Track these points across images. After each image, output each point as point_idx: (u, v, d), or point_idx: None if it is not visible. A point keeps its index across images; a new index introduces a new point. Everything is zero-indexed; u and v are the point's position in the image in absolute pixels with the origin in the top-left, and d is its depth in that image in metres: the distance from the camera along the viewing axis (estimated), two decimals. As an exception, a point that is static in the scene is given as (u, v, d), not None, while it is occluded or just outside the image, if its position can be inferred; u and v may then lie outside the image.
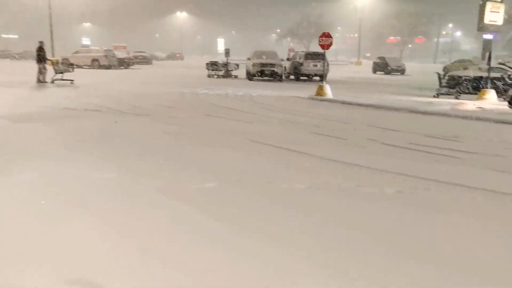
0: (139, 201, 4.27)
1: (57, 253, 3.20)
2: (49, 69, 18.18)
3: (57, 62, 18.56)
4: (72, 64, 19.09)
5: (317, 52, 24.37)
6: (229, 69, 26.61)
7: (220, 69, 26.41)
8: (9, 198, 4.30)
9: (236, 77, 26.03)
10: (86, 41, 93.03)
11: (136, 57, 44.78)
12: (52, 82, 17.74)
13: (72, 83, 17.83)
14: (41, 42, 18.38)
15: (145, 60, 47.90)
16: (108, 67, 33.59)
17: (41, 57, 17.90)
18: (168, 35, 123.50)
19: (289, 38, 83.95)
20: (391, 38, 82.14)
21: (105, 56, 34.12)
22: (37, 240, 3.39)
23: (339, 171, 5.54)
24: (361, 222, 3.93)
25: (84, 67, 34.82)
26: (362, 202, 4.41)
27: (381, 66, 36.77)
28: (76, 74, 18.97)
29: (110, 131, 7.98)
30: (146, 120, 9.46)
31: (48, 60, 18.50)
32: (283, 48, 61.11)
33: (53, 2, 42.76)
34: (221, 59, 29.42)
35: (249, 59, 25.63)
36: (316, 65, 23.92)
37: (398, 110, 12.12)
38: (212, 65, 26.50)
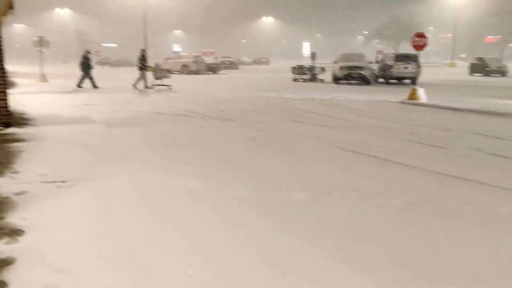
0: (223, 214, 4.04)
1: (136, 265, 3.08)
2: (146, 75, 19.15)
3: (156, 69, 19.50)
4: (169, 70, 19.95)
5: (408, 54, 23.18)
6: (315, 72, 26.21)
7: (305, 73, 26.11)
8: (99, 202, 4.32)
9: (322, 80, 25.57)
10: (176, 47, 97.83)
11: (223, 62, 45.94)
12: (152, 87, 18.65)
13: (169, 88, 18.59)
14: (143, 50, 19.42)
15: (232, 65, 49.01)
16: (196, 72, 34.72)
17: (142, 64, 18.88)
18: (254, 40, 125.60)
19: (376, 40, 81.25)
20: (490, 37, 76.22)
21: (194, 62, 35.32)
22: (116, 247, 3.30)
23: (441, 186, 4.96)
24: (485, 256, 3.38)
25: (174, 72, 36.40)
26: (474, 226, 3.83)
27: (480, 67, 34.17)
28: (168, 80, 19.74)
29: (196, 136, 7.99)
30: (232, 125, 9.41)
31: (149, 67, 19.52)
32: (371, 51, 59.28)
33: (148, 11, 45.23)
34: (306, 62, 29.02)
35: (335, 62, 25.01)
36: (406, 68, 22.70)
37: (504, 115, 10.95)
38: (298, 69, 26.26)
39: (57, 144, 6.59)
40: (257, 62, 75.07)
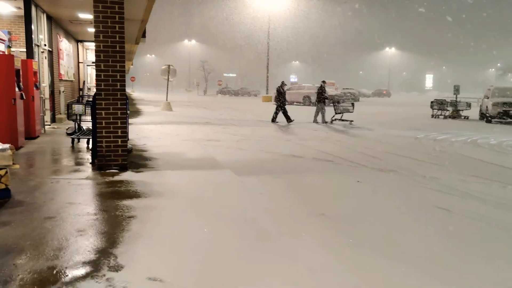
0: None
1: None
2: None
3: (338, 102, 17.95)
4: (352, 104, 18.21)
5: None
6: (459, 108, 22.71)
7: (447, 109, 22.73)
8: None
9: (466, 118, 22.02)
10: (293, 78, 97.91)
11: (344, 93, 43.57)
12: (331, 122, 17.27)
13: (351, 123, 16.95)
14: (323, 82, 18.18)
15: (353, 97, 46.38)
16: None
17: (323, 97, 17.59)
18: (372, 71, 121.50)
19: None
20: None
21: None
22: None
23: None
24: None
25: (295, 103, 34.96)
26: None
27: None
28: (294, 112, 17.97)
29: (355, 199, 5.76)
30: (395, 179, 7.03)
31: (328, 99, 18.15)
32: (508, 84, 52.63)
33: (267, 43, 45.04)
34: (447, 96, 25.46)
35: (486, 97, 21.33)
36: None
37: None
38: (438, 104, 22.94)
39: (180, 207, 4.80)
40: (378, 94, 71.25)
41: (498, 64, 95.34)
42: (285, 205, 5.23)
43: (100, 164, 6.54)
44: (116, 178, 6.05)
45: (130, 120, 15.38)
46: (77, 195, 5.09)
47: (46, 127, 12.02)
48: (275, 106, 17.97)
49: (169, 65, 23.23)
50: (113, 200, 4.89)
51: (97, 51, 6.33)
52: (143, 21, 13.19)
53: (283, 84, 18.06)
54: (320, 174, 7.25)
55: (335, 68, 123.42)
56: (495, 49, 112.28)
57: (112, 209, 4.56)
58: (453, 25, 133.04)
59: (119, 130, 6.52)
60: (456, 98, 23.64)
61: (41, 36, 12.30)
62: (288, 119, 17.14)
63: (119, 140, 6.53)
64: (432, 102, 23.52)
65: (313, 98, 33.19)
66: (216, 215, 4.57)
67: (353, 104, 18.24)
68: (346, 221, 4.65)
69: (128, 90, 65.83)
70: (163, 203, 4.86)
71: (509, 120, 19.63)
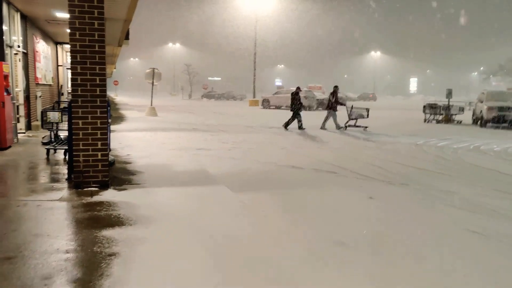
0: None
1: None
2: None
3: (352, 107, 17.03)
4: (367, 109, 17.25)
5: None
6: (452, 113, 22.25)
7: (440, 113, 22.26)
8: None
9: (459, 122, 21.61)
10: (278, 82, 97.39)
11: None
12: (345, 128, 16.48)
13: (365, 129, 16.23)
14: (336, 87, 17.34)
15: (340, 101, 45.89)
16: (307, 108, 32.17)
17: (336, 102, 16.80)
18: (357, 75, 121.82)
19: (499, 77, 73.39)
20: None
21: (305, 97, 32.79)
22: None
23: None
24: None
25: (282, 108, 34.22)
26: None
27: None
28: (283, 118, 17.21)
29: (373, 221, 5.00)
30: (409, 194, 6.30)
31: (341, 104, 17.25)
32: (491, 88, 52.89)
33: (253, 47, 44.39)
34: (439, 100, 24.97)
35: (480, 101, 20.91)
36: None
37: None
38: (431, 108, 22.46)
39: (173, 239, 3.95)
40: (363, 97, 71.00)
41: (481, 68, 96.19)
42: (296, 231, 4.44)
43: (77, 181, 5.66)
44: (96, 198, 5.19)
45: (113, 127, 14.44)
46: (46, 224, 4.22)
47: (20, 135, 11.04)
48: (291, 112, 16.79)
49: (153, 69, 22.29)
50: (91, 230, 4.03)
51: (73, 51, 5.46)
52: (126, 21, 12.31)
53: (298, 89, 17.21)
54: (326, 189, 6.48)
55: (320, 71, 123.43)
56: (478, 53, 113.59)
57: (88, 243, 3.71)
58: (437, 28, 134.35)
59: (99, 142, 5.65)
60: (449, 102, 23.19)
61: (14, 37, 11.32)
62: (300, 127, 16.29)
63: (99, 153, 5.66)
64: (424, 106, 23.03)
65: (303, 103, 32.57)
66: (217, 250, 3.75)
67: (367, 110, 17.42)
68: (373, 253, 3.88)
69: (111, 94, 64.44)
70: (152, 233, 4.02)
71: (504, 124, 19.21)
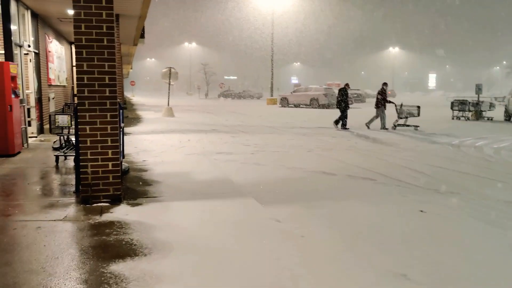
0: None
1: None
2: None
3: (401, 105, 16.09)
4: (418, 107, 16.26)
5: None
6: (482, 109, 21.13)
7: (469, 110, 21.15)
8: None
9: (490, 119, 20.50)
10: (294, 80, 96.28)
11: (351, 95, 42.04)
12: (394, 127, 15.63)
13: (416, 129, 15.37)
14: (384, 84, 16.30)
15: (359, 98, 44.83)
16: (327, 106, 31.27)
17: (384, 100, 15.84)
18: (375, 71, 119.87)
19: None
20: None
21: (325, 94, 31.93)
22: None
23: None
24: None
25: (301, 106, 33.35)
26: None
27: None
28: (303, 116, 16.38)
29: (434, 243, 4.19)
30: (464, 206, 5.45)
31: (391, 103, 16.35)
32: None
33: (269, 44, 43.64)
34: (470, 97, 23.85)
35: (513, 96, 19.80)
36: None
37: None
38: (459, 105, 21.35)
39: (197, 277, 3.21)
40: (382, 94, 69.41)
41: (504, 62, 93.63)
42: (343, 258, 3.66)
43: (85, 195, 4.96)
44: (105, 217, 4.48)
45: (129, 129, 13.82)
46: (45, 253, 3.52)
47: (32, 139, 10.47)
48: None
49: (170, 68, 21.68)
50: (97, 263, 3.31)
51: (78, 47, 4.76)
52: (141, 17, 11.66)
53: (347, 86, 16.25)
54: (367, 201, 5.67)
55: (336, 69, 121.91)
56: (499, 47, 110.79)
57: (92, 283, 2.99)
58: (456, 23, 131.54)
59: (110, 151, 4.94)
60: (478, 98, 22.08)
61: (24, 36, 10.74)
62: (344, 126, 15.46)
63: (110, 163, 4.95)
64: (452, 102, 21.93)
65: (321, 100, 31.66)
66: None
67: (418, 107, 16.38)
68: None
69: (128, 94, 64.24)
70: (171, 267, 3.27)
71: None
